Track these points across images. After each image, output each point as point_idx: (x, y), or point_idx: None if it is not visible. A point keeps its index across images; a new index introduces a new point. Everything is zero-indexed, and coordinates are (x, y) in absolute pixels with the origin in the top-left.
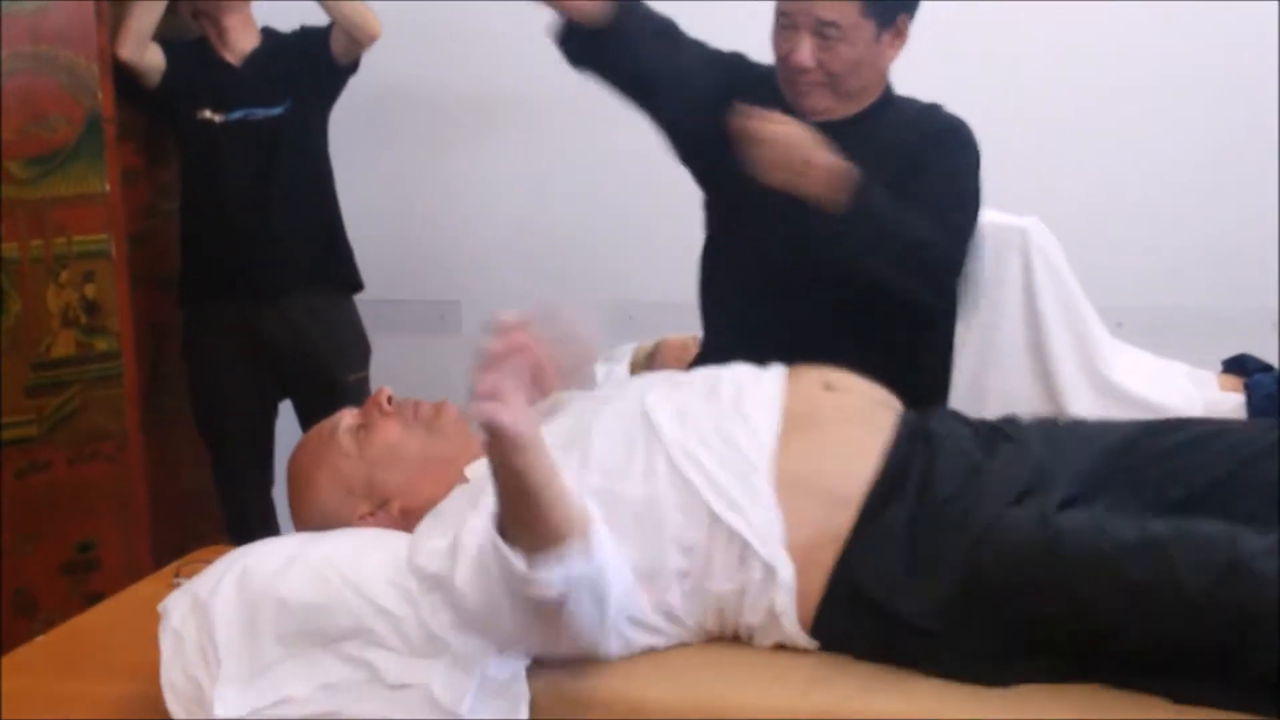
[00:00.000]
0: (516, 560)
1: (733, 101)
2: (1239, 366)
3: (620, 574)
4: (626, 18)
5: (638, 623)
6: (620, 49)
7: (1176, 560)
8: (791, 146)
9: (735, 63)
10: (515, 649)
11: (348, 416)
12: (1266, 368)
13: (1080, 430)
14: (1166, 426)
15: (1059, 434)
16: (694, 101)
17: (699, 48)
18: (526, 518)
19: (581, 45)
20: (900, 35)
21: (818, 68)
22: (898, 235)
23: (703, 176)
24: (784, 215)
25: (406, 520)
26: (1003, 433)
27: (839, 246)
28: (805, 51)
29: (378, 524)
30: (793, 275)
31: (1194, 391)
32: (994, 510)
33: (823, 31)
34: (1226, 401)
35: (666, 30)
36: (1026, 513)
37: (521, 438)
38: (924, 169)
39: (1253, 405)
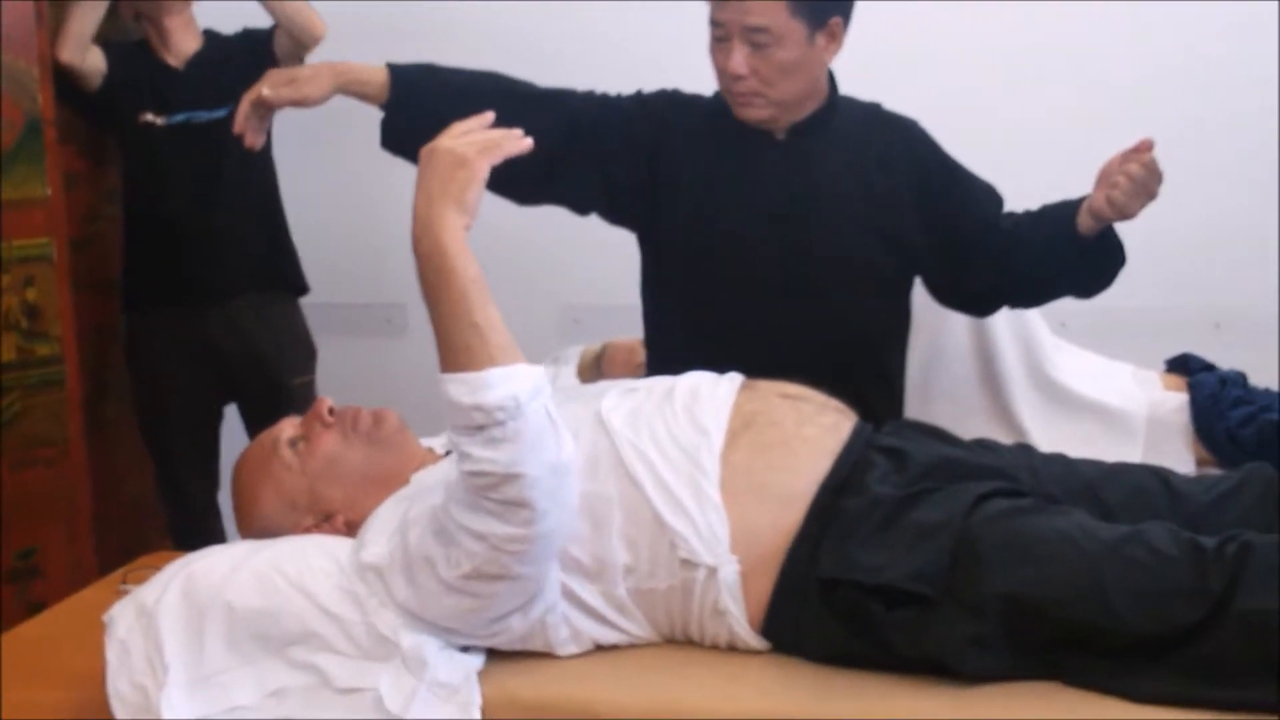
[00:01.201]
0: (462, 385)
1: (664, 141)
2: (1182, 366)
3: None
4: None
5: (588, 610)
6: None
7: (1151, 552)
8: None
9: (660, 101)
10: (465, 624)
11: (288, 428)
12: (1209, 367)
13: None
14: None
15: (1026, 455)
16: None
17: (578, 100)
18: (468, 337)
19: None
20: (834, 37)
21: (752, 74)
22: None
23: (640, 221)
24: (729, 235)
25: (351, 533)
26: (959, 441)
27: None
28: (738, 59)
29: (322, 535)
30: (740, 289)
31: (1138, 391)
32: (974, 490)
33: (753, 38)
34: (1170, 401)
35: (502, 90)
36: (1003, 501)
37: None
38: (948, 181)
39: (1196, 404)
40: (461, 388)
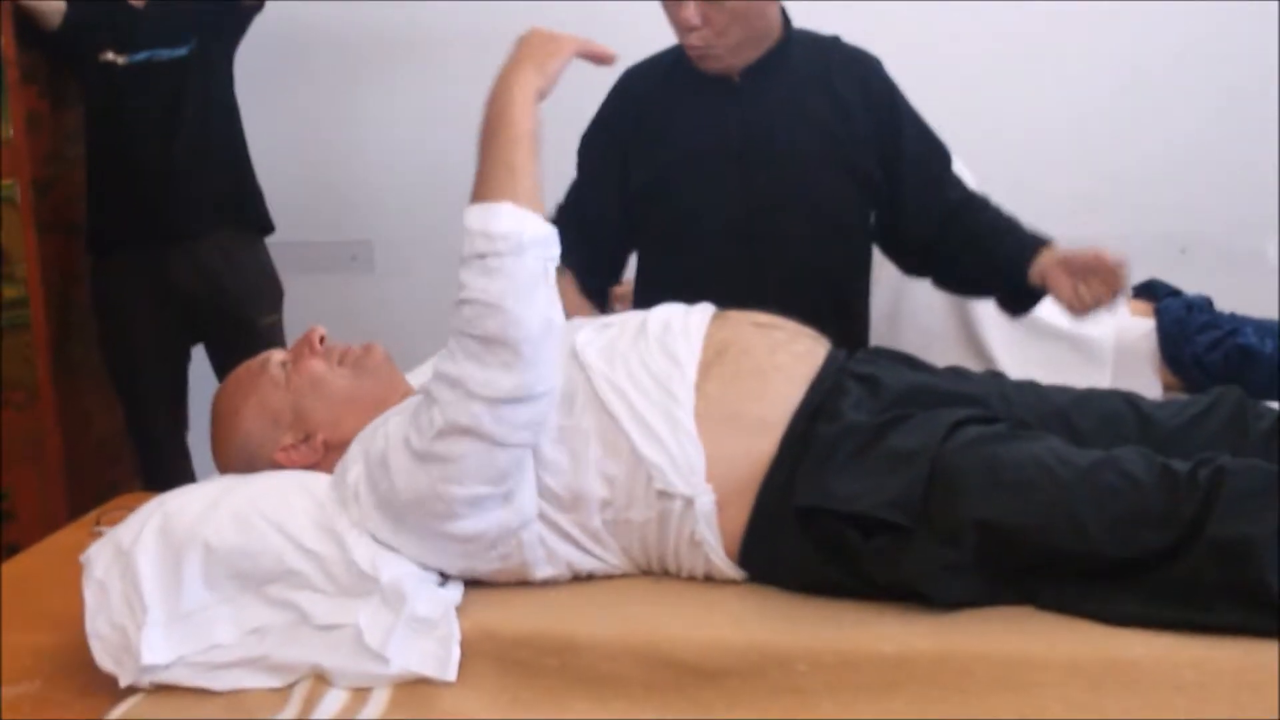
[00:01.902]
0: (477, 212)
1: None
2: (1149, 292)
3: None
4: None
5: (564, 535)
6: None
7: (1124, 477)
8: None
9: (622, 82)
10: (435, 516)
11: (277, 354)
12: (1175, 292)
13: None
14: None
15: (998, 382)
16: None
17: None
18: (501, 175)
19: None
20: None
21: (705, 24)
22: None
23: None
24: (691, 180)
25: (329, 455)
26: (933, 369)
27: None
28: (690, 9)
29: (300, 457)
30: (704, 231)
31: (1105, 317)
32: (949, 417)
33: None
34: (1137, 326)
35: None
36: (977, 428)
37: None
38: (898, 124)
39: (1163, 329)
40: (475, 214)
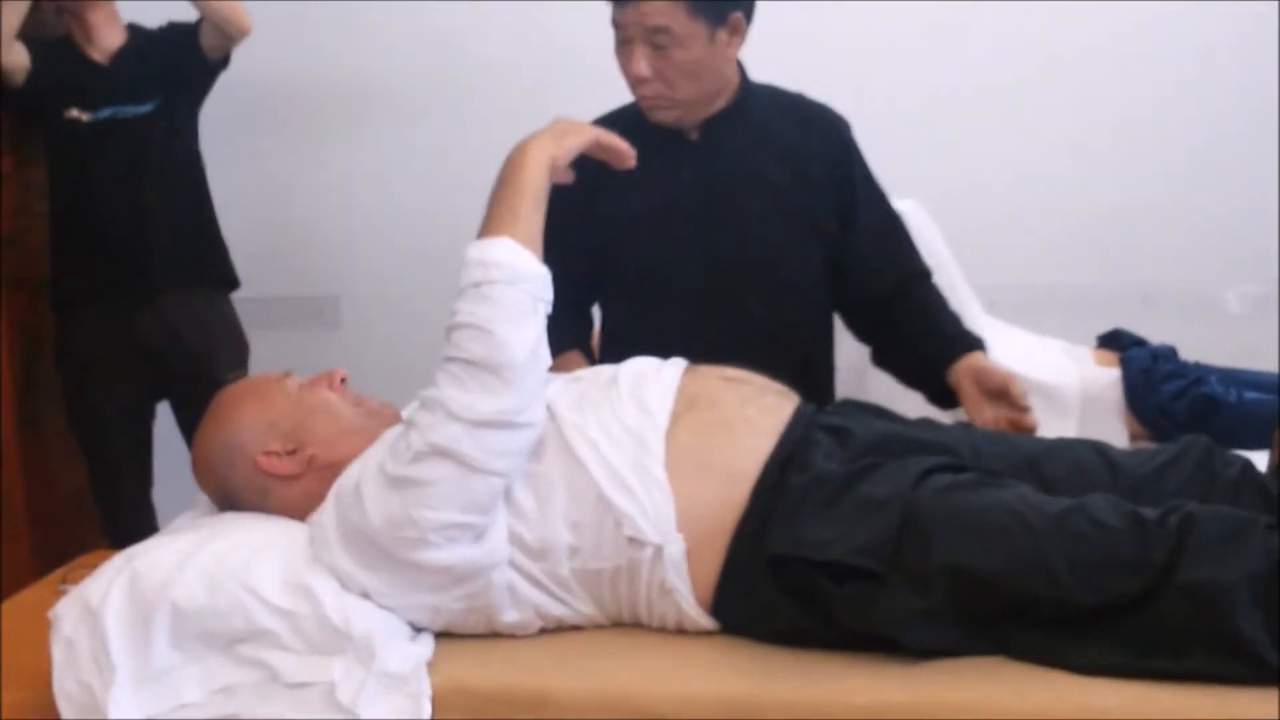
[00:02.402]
0: (476, 245)
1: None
2: (1114, 341)
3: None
4: None
5: (533, 580)
6: None
7: (1094, 524)
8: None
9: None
10: (400, 548)
11: (297, 376)
12: (1140, 342)
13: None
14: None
15: (967, 432)
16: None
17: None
18: (505, 218)
19: None
20: (736, 31)
21: (656, 76)
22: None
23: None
24: (649, 238)
25: (309, 472)
26: (901, 419)
27: None
28: (641, 62)
29: (280, 466)
30: (665, 289)
31: (1071, 367)
32: (919, 465)
33: (654, 40)
34: (1103, 376)
35: None
36: (947, 476)
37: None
38: (854, 191)
39: (1128, 379)
40: (475, 246)
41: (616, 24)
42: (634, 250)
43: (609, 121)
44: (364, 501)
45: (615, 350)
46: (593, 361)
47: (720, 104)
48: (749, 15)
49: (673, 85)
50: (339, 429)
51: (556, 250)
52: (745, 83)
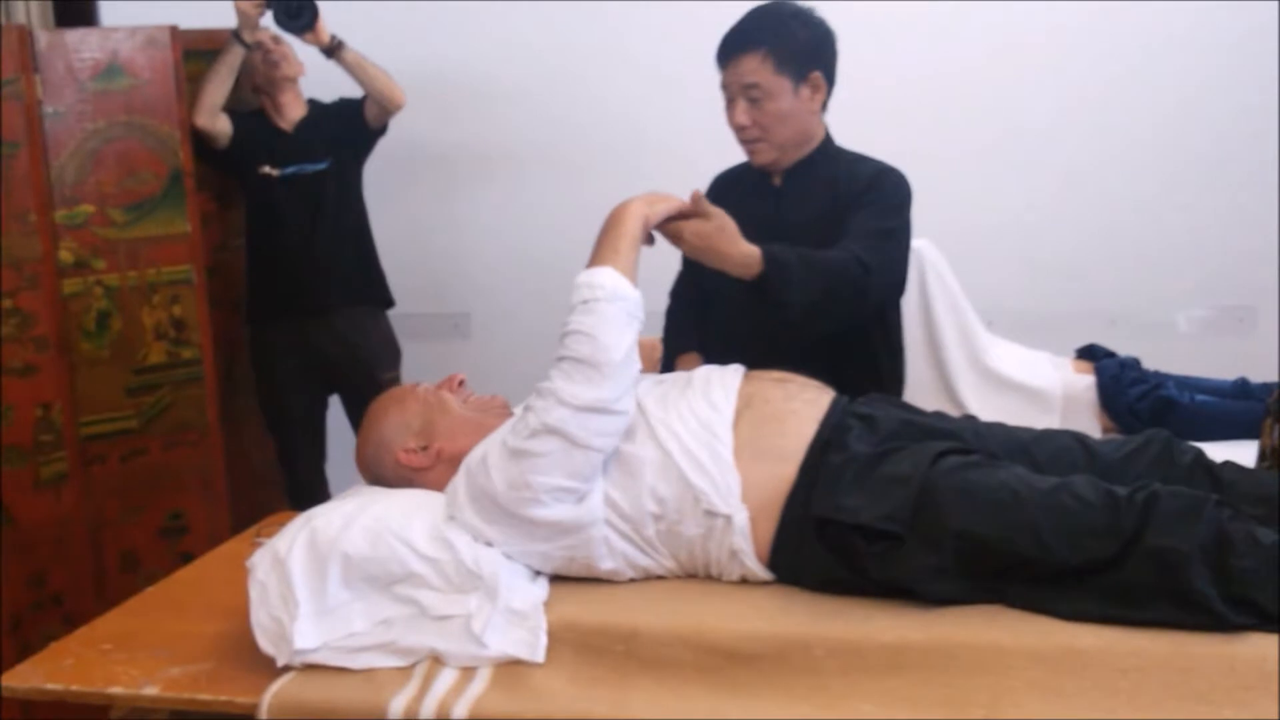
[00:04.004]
0: (584, 273)
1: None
2: (1089, 354)
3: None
4: None
5: (624, 535)
6: None
7: (1076, 498)
8: (705, 238)
9: (711, 189)
10: (517, 502)
11: (427, 384)
12: (1111, 354)
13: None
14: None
15: (972, 423)
16: None
17: None
18: (607, 254)
19: None
20: (817, 88)
21: (753, 125)
22: (817, 272)
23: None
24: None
25: (439, 465)
26: (920, 410)
27: (772, 293)
28: (739, 112)
29: (415, 459)
30: (737, 314)
31: (1054, 373)
32: (934, 448)
33: (749, 94)
34: (1080, 381)
35: None
36: (957, 458)
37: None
38: (863, 206)
39: (1101, 384)
40: (584, 273)
41: (723, 85)
42: (712, 276)
43: (732, 170)
44: (490, 469)
45: (692, 346)
46: (707, 361)
47: (803, 154)
48: (828, 75)
49: (767, 130)
50: (459, 423)
51: (684, 274)
52: (826, 141)
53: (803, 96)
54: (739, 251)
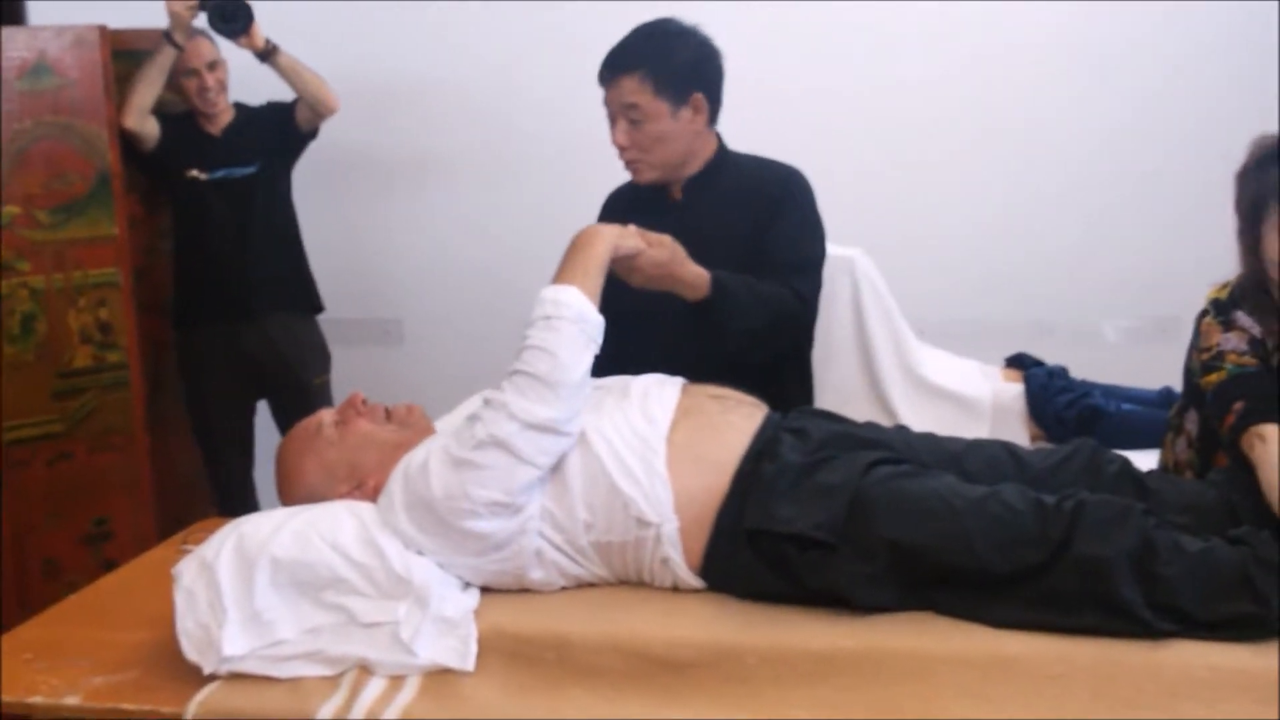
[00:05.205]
0: (548, 288)
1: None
2: (1018, 362)
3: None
4: None
5: (557, 547)
6: None
7: (1006, 507)
8: (660, 266)
9: (606, 205)
10: (453, 514)
11: (327, 415)
12: (1039, 363)
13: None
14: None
15: (903, 433)
16: None
17: None
18: (573, 274)
19: None
20: (699, 109)
21: (632, 145)
22: (761, 302)
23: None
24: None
25: (378, 495)
26: (851, 421)
27: (717, 321)
28: (619, 133)
29: (358, 497)
30: (651, 332)
31: (983, 382)
32: (865, 458)
33: (629, 115)
34: (1009, 390)
35: None
36: (888, 468)
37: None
38: (778, 216)
39: (1030, 392)
40: (550, 289)
41: (606, 103)
42: (625, 290)
43: (621, 191)
44: (429, 476)
45: (613, 369)
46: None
47: (696, 167)
48: (711, 96)
49: (645, 150)
50: (385, 453)
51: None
52: (721, 150)
53: (683, 119)
54: (691, 273)
